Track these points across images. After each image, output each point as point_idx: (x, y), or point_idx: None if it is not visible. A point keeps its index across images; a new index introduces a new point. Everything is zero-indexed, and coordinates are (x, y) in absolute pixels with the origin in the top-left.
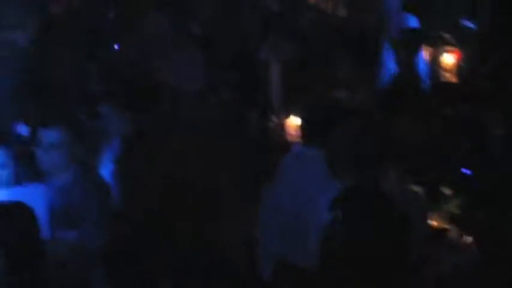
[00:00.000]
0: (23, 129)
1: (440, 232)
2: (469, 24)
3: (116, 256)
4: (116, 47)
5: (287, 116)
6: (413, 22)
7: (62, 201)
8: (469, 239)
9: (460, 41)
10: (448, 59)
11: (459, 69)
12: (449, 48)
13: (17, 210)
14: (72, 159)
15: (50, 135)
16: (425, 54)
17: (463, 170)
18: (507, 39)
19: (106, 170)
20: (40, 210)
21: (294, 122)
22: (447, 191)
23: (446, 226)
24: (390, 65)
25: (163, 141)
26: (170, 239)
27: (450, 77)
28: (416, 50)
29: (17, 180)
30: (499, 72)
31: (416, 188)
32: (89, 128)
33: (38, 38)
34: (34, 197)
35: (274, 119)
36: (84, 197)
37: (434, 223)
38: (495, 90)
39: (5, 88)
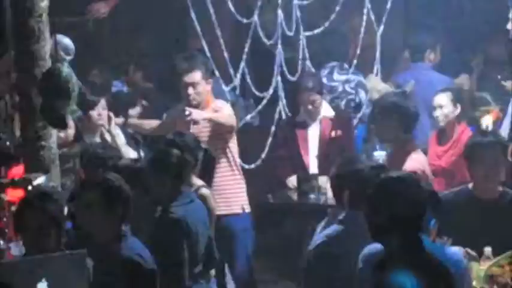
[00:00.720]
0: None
1: None
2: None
3: None
4: None
5: (326, 179)
6: (450, 82)
7: None
8: None
9: (499, 101)
10: (487, 119)
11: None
12: (488, 108)
13: None
14: None
15: None
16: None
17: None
18: None
19: None
20: None
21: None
22: (488, 250)
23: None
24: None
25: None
26: None
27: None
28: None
29: None
30: None
31: (458, 248)
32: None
33: None
34: None
35: (314, 182)
36: None
37: (475, 284)
38: None
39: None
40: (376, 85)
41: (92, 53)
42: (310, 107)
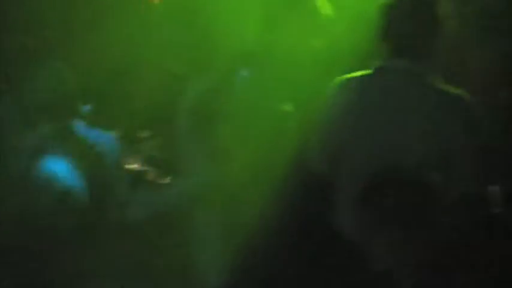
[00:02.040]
0: None
1: (138, 174)
2: None
3: None
4: None
5: None
6: None
7: None
8: (166, 179)
9: None
10: None
11: None
12: None
13: None
14: None
15: None
16: None
17: None
18: None
19: None
20: None
21: None
22: (143, 133)
23: (144, 168)
24: None
25: None
26: None
27: None
28: None
29: None
30: None
31: (110, 131)
32: None
33: None
34: None
35: None
36: None
37: (131, 166)
38: None
39: None
40: None
41: None
42: None
